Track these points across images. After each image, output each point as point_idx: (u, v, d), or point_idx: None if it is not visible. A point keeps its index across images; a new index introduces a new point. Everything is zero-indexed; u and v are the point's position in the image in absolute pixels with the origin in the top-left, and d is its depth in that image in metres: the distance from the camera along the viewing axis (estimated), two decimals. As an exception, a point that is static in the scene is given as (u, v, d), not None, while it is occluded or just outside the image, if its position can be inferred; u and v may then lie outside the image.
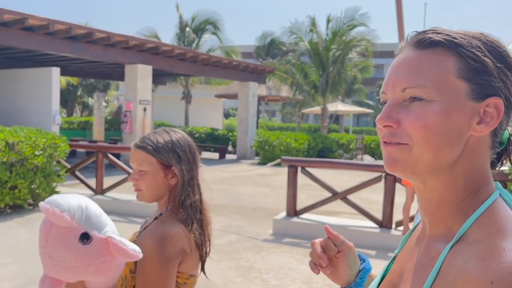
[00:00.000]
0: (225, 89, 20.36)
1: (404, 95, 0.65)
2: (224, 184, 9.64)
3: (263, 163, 14.01)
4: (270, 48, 34.12)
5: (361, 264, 0.90)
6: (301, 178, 5.74)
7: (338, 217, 6.21)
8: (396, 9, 12.95)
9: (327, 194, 5.78)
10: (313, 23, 17.70)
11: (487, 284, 0.52)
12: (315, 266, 0.85)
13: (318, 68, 17.39)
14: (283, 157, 5.73)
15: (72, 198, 1.10)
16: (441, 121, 0.62)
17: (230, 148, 18.41)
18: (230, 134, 18.21)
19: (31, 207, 6.57)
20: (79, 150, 12.83)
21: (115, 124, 25.53)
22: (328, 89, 17.32)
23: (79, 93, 25.85)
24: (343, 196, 5.57)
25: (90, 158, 6.87)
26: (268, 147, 13.92)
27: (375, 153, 15.86)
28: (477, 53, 0.63)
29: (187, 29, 20.36)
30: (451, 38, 0.64)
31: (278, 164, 6.87)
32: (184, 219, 1.32)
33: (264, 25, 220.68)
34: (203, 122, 22.04)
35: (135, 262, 1.24)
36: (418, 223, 0.77)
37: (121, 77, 16.86)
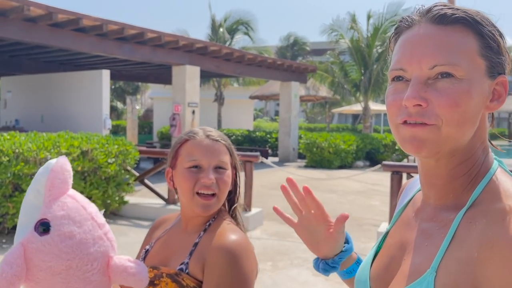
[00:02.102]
0: (260, 90, 19.85)
1: (431, 72, 0.64)
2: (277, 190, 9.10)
3: (310, 166, 13.45)
4: (294, 48, 33.61)
5: (344, 245, 0.90)
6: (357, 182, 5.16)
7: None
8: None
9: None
10: (353, 20, 17.10)
11: None
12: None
13: (360, 66, 16.77)
14: (384, 162, 5.16)
15: None
16: (469, 99, 0.63)
17: (269, 150, 17.89)
18: (268, 136, 17.68)
19: (101, 219, 6.12)
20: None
21: (146, 127, 25.28)
22: (370, 87, 16.69)
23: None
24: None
25: (161, 165, 6.40)
26: (316, 149, 13.34)
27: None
28: (494, 31, 0.65)
29: (221, 29, 19.91)
30: (471, 16, 0.65)
31: (311, 166, 6.29)
32: (239, 225, 1.16)
33: (288, 26, 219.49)
34: (234, 124, 21.57)
35: (195, 286, 1.03)
36: (410, 200, 0.79)
37: (158, 79, 16.54)
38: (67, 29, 8.49)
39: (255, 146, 17.78)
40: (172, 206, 6.26)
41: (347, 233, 0.92)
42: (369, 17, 16.96)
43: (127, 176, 6.26)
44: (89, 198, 5.67)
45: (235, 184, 1.20)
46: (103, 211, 1.01)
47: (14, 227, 5.19)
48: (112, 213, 6.37)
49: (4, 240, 5.08)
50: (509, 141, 1.10)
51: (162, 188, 6.69)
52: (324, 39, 17.79)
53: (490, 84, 0.66)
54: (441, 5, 0.67)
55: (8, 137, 5.02)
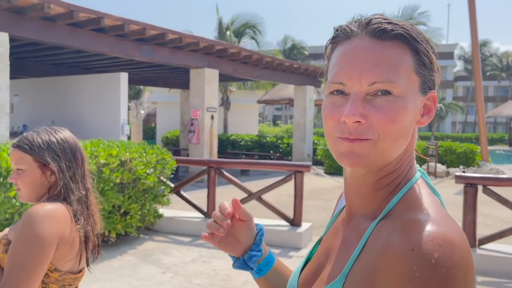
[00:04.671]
0: (269, 94, 19.39)
1: (370, 89, 0.64)
2: (315, 200, 8.63)
3: (329, 173, 12.99)
4: (292, 52, 33.25)
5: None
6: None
7: None
8: (469, 9, 11.98)
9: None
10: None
11: (409, 251, 0.56)
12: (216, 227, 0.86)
13: (374, 70, 16.43)
14: (457, 174, 4.71)
15: None
16: (405, 116, 0.64)
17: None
18: (279, 141, 17.20)
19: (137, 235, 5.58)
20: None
21: (149, 132, 24.66)
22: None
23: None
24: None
25: (200, 175, 5.88)
26: (335, 156, 12.86)
27: (442, 160, 14.76)
28: (428, 48, 0.66)
29: (228, 32, 19.44)
30: (409, 32, 0.65)
31: (331, 173, 5.85)
32: (72, 213, 1.31)
33: (284, 29, 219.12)
34: (240, 129, 21.06)
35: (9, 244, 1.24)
36: (343, 207, 0.78)
37: (167, 83, 16.00)
38: (86, 29, 7.97)
39: (266, 152, 17.29)
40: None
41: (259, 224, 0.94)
42: (382, 20, 16.65)
43: (162, 188, 5.74)
44: (127, 213, 5.15)
45: (63, 176, 1.36)
46: None
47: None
48: (146, 228, 5.84)
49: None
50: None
51: (198, 200, 6.18)
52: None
53: (422, 99, 0.67)
54: (380, 18, 0.66)
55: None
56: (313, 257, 0.80)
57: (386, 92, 0.63)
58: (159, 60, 9.65)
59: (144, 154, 5.28)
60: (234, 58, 11.25)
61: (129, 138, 10.59)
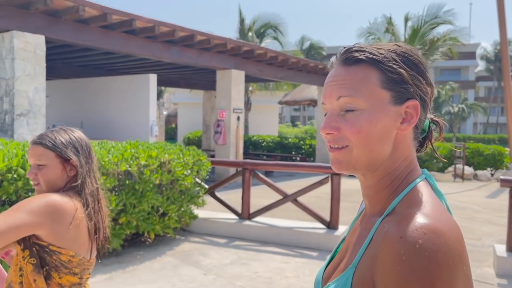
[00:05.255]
0: (291, 95, 19.32)
1: (340, 103, 0.78)
2: (344, 202, 8.54)
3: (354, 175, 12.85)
4: (309, 53, 33.06)
5: None
6: None
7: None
8: (498, 7, 11.73)
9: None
10: (389, 23, 16.56)
11: (398, 238, 0.66)
12: None
13: (398, 70, 16.20)
14: (502, 177, 4.60)
15: None
16: (370, 126, 0.76)
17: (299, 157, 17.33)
18: (301, 142, 17.13)
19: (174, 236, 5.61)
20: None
21: (170, 132, 24.83)
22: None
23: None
24: None
25: (234, 176, 5.88)
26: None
27: (469, 162, 14.49)
28: (394, 66, 0.77)
29: (250, 33, 19.44)
30: (372, 56, 0.77)
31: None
32: (83, 203, 1.42)
33: (303, 30, 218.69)
34: (260, 130, 21.04)
35: None
36: (364, 209, 0.88)
37: (189, 84, 16.08)
38: (117, 31, 8.06)
39: (287, 153, 17.24)
40: (246, 222, 5.73)
41: None
42: (406, 19, 16.43)
43: (197, 189, 5.75)
44: (165, 214, 5.18)
45: (82, 170, 1.46)
46: None
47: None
48: (181, 229, 5.86)
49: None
50: None
51: (228, 201, 6.18)
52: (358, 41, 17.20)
53: (397, 109, 0.77)
54: (353, 48, 0.79)
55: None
56: (336, 254, 0.90)
57: (353, 110, 0.76)
58: (187, 62, 9.70)
59: (181, 156, 5.30)
60: (260, 59, 11.24)
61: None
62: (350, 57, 0.78)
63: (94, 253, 1.48)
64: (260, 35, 20.43)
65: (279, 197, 5.84)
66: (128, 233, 4.79)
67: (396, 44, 0.80)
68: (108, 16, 7.36)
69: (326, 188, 5.76)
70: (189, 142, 19.39)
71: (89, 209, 1.43)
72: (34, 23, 6.88)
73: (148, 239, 5.42)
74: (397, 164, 0.79)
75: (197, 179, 5.74)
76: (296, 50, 21.45)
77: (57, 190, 1.44)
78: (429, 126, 0.85)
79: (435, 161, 14.60)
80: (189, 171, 5.32)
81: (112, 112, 10.20)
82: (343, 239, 0.91)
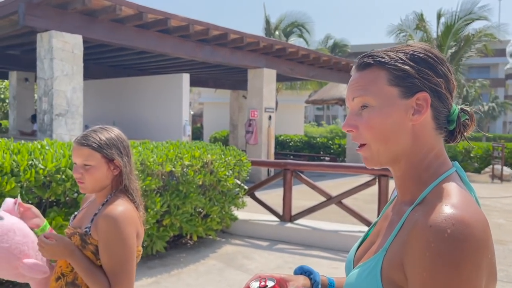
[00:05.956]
0: (318, 94, 19.06)
1: (355, 104, 0.86)
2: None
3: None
4: (333, 51, 32.63)
5: (310, 279, 1.03)
6: None
7: None
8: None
9: None
10: (420, 19, 16.13)
11: (427, 227, 0.71)
12: None
13: (430, 68, 15.77)
14: None
15: None
16: (382, 120, 0.83)
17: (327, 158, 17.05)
18: (329, 142, 16.86)
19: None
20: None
21: (195, 132, 24.84)
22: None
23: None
24: None
25: (275, 177, 5.72)
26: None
27: (507, 162, 13.96)
28: (398, 64, 0.83)
29: (276, 32, 19.27)
30: (378, 59, 0.85)
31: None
32: (132, 201, 1.53)
33: (328, 28, 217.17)
34: (287, 129, 20.84)
35: (96, 245, 1.45)
36: (395, 196, 0.93)
37: (217, 83, 16.01)
38: (152, 30, 8.01)
39: (315, 153, 16.99)
40: (288, 224, 5.57)
41: (305, 266, 1.05)
42: (439, 16, 15.96)
43: (237, 190, 5.61)
44: (208, 216, 5.06)
45: (125, 170, 1.54)
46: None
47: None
48: (222, 231, 5.74)
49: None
50: None
51: (268, 201, 6.02)
52: (391, 40, 16.85)
53: (407, 102, 0.83)
54: (365, 56, 0.88)
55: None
56: (368, 237, 0.95)
57: (365, 106, 0.84)
58: (220, 61, 9.59)
59: (223, 156, 5.18)
60: (291, 57, 11.06)
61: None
62: (361, 63, 0.87)
63: (140, 242, 1.59)
64: (287, 33, 20.23)
65: (316, 198, 5.66)
66: (171, 235, 4.69)
67: (408, 45, 0.87)
68: (143, 15, 7.31)
69: (366, 189, 5.55)
70: (215, 141, 19.35)
71: (137, 204, 1.54)
72: (72, 23, 6.88)
73: (189, 241, 5.31)
74: (421, 154, 0.83)
75: (237, 180, 5.61)
76: (323, 48, 21.11)
77: (101, 188, 1.52)
78: (458, 117, 0.86)
79: (470, 161, 14.13)
80: (230, 172, 5.19)
81: (145, 111, 10.19)
82: (375, 223, 0.96)
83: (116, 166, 1.52)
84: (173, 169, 4.47)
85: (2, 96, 22.49)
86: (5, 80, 19.79)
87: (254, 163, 5.95)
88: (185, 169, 4.62)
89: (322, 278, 1.04)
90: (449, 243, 0.68)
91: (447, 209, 0.72)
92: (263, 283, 0.92)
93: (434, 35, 16.01)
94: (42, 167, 3.48)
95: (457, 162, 0.87)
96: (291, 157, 16.99)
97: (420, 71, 0.82)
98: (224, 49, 9.51)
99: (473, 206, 0.75)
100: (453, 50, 15.39)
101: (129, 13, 7.29)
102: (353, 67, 0.90)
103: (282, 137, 18.06)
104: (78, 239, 1.48)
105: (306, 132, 28.98)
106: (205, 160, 4.84)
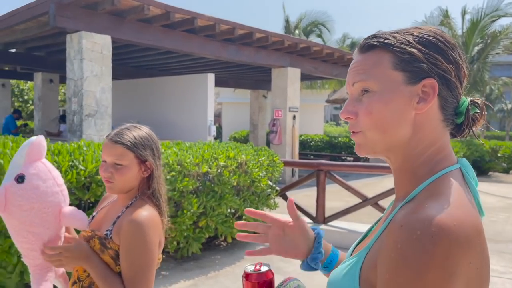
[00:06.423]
0: (339, 93, 18.87)
1: (355, 89, 0.79)
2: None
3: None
4: (351, 50, 32.28)
5: (313, 230, 1.03)
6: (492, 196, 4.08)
7: None
8: None
9: None
10: (445, 16, 15.83)
11: (399, 226, 0.66)
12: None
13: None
14: None
15: None
16: (382, 106, 0.75)
17: (349, 158, 16.86)
18: (352, 142, 16.64)
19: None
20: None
21: (215, 132, 24.83)
22: (467, 89, 15.33)
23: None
24: None
25: (308, 178, 5.62)
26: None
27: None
28: (405, 46, 0.76)
29: (297, 31, 19.15)
30: (383, 40, 0.78)
31: None
32: (157, 207, 1.43)
33: (344, 27, 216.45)
34: (306, 129, 20.68)
35: (116, 250, 1.36)
36: None
37: (238, 83, 15.97)
38: (178, 30, 7.98)
39: (337, 153, 16.82)
40: (322, 226, 5.46)
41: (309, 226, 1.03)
42: (464, 12, 15.65)
43: (269, 190, 5.53)
44: (241, 217, 4.98)
45: (157, 173, 1.46)
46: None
47: (175, 251, 4.56)
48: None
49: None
50: None
51: (299, 202, 5.92)
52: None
53: (413, 89, 0.75)
54: (369, 37, 0.80)
55: (173, 149, 4.43)
56: (370, 233, 0.91)
57: (366, 91, 0.77)
58: (245, 60, 9.53)
59: (257, 156, 5.10)
60: (315, 56, 10.94)
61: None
62: (364, 44, 0.80)
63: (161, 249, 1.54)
64: (307, 33, 20.11)
65: (344, 199, 5.54)
66: (206, 237, 4.63)
67: (418, 27, 0.79)
68: (171, 14, 7.28)
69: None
70: (235, 141, 19.32)
71: (162, 210, 1.45)
72: (101, 24, 6.89)
73: (222, 243, 5.24)
74: (420, 148, 0.77)
75: (269, 181, 5.52)
76: (344, 46, 20.89)
77: (128, 190, 1.43)
78: (468, 109, 0.79)
79: (497, 160, 13.80)
80: (264, 173, 5.10)
81: (169, 111, 10.18)
82: (379, 219, 0.91)
83: (147, 167, 1.44)
84: (209, 169, 4.40)
85: (26, 97, 22.84)
86: (29, 82, 20.09)
87: (286, 163, 5.86)
88: (220, 170, 4.56)
89: (327, 244, 1.03)
90: (417, 245, 0.63)
91: (426, 209, 0.66)
92: (257, 267, 0.96)
93: (460, 32, 15.70)
94: (83, 168, 3.45)
95: (465, 159, 0.79)
96: (311, 157, 16.84)
97: (428, 55, 0.75)
98: (249, 48, 9.44)
99: (463, 208, 0.67)
100: (479, 47, 15.06)
101: (157, 13, 7.27)
102: (356, 49, 0.83)
103: (302, 137, 17.91)
104: (97, 242, 1.39)
105: (326, 131, 28.76)
106: (239, 161, 4.77)
